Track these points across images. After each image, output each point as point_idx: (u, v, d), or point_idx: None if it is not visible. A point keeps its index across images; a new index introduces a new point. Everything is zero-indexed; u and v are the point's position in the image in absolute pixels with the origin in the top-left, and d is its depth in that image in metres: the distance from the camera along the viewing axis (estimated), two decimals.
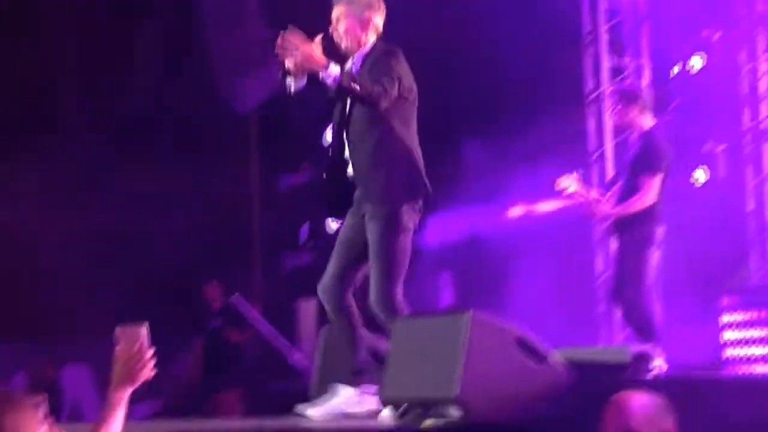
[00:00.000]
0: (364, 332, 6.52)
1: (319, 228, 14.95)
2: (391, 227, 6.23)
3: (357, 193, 6.42)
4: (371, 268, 6.34)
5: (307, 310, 15.55)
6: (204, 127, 17.29)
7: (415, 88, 6.36)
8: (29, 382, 14.33)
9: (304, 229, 16.02)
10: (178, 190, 16.42)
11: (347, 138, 6.38)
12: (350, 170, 6.40)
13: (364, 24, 6.40)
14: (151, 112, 17.16)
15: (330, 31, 6.45)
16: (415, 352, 5.73)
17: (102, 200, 17.76)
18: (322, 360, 7.18)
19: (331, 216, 7.11)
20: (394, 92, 6.11)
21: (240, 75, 15.98)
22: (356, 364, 6.46)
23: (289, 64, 6.07)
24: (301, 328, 15.76)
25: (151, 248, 17.23)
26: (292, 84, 6.21)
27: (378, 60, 6.25)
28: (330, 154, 6.50)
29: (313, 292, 6.72)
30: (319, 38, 6.12)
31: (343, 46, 6.43)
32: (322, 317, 7.91)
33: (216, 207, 17.33)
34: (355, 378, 6.49)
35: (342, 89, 6.03)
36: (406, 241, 6.29)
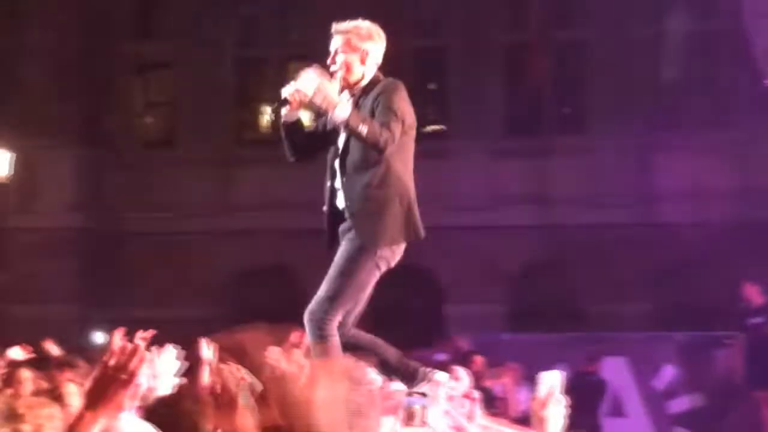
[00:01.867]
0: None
1: None
2: (364, 256, 5.97)
3: (345, 225, 6.14)
4: (324, 283, 6.05)
5: None
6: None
7: (415, 123, 6.10)
8: (573, 374, 14.62)
9: None
10: None
11: (342, 167, 6.11)
12: (340, 201, 6.15)
13: (363, 56, 6.13)
14: None
15: (328, 62, 6.21)
16: None
17: None
18: None
19: (330, 248, 6.40)
20: (398, 132, 5.87)
21: None
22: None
23: (292, 97, 5.98)
24: None
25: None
26: (283, 113, 6.12)
27: (382, 97, 5.97)
28: (328, 184, 6.25)
29: None
30: (316, 75, 5.97)
31: (340, 77, 6.15)
32: None
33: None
34: None
35: (349, 130, 5.83)
36: (370, 277, 6.03)
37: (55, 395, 6.28)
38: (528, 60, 21.71)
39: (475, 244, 20.66)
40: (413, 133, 6.13)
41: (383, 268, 6.08)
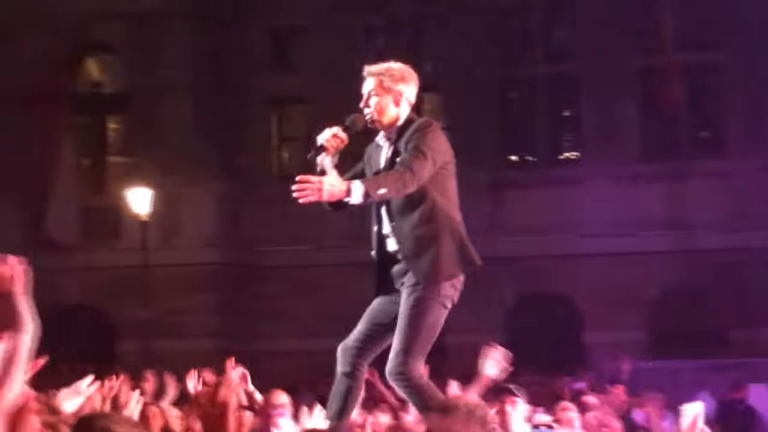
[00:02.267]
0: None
1: None
2: (429, 299, 5.87)
3: (398, 267, 6.05)
4: (396, 337, 5.91)
5: None
6: None
7: (452, 159, 6.04)
8: (717, 403, 14.34)
9: None
10: None
11: (388, 212, 6.03)
12: (392, 245, 6.05)
13: (397, 97, 6.04)
14: None
15: (361, 105, 6.11)
16: None
17: None
18: None
19: (377, 294, 6.21)
20: (425, 172, 5.80)
21: None
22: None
23: (328, 143, 5.97)
24: None
25: None
26: (319, 161, 6.04)
27: (412, 137, 5.90)
28: (375, 229, 6.16)
29: None
30: (331, 136, 5.98)
31: (374, 120, 6.07)
32: None
33: None
34: None
35: (374, 201, 5.81)
36: (439, 317, 5.91)
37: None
38: (662, 83, 21.46)
39: (612, 270, 20.44)
40: (452, 167, 6.10)
41: (449, 306, 6.01)
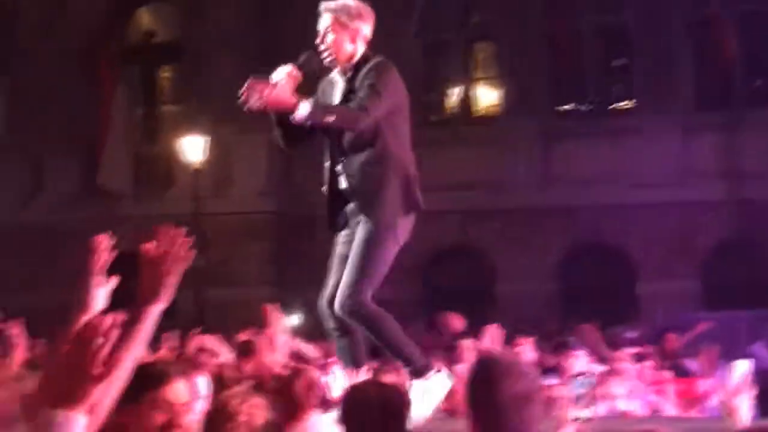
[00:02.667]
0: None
1: None
2: (381, 233, 5.95)
3: (350, 207, 6.11)
4: (346, 271, 5.95)
5: None
6: None
7: (407, 101, 6.12)
8: None
9: None
10: None
11: (340, 149, 6.05)
12: (343, 183, 6.09)
13: (353, 35, 6.07)
14: None
15: (317, 41, 6.09)
16: None
17: None
18: None
19: (332, 231, 6.18)
20: (377, 111, 5.86)
21: None
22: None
23: (255, 106, 5.81)
24: None
25: None
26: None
27: (367, 76, 5.95)
28: (327, 165, 6.18)
29: None
30: (285, 74, 5.87)
31: (330, 57, 6.07)
32: None
33: None
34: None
35: (316, 124, 5.80)
36: (392, 252, 6.01)
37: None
38: (714, 33, 21.18)
39: (665, 220, 20.32)
40: (407, 110, 6.16)
41: (401, 242, 6.07)
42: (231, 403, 4.71)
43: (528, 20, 21.52)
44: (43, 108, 22.22)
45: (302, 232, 22.12)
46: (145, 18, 23.89)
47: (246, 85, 5.76)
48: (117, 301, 3.37)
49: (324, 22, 6.14)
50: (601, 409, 7.98)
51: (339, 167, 6.08)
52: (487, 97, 22.82)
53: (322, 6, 6.20)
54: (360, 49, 6.10)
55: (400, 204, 6.03)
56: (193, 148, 20.87)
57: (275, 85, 5.82)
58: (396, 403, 4.38)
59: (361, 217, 6.03)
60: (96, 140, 22.46)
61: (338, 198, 6.15)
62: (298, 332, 11.49)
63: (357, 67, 6.06)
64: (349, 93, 6.02)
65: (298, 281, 21.07)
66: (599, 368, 9.16)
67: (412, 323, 14.12)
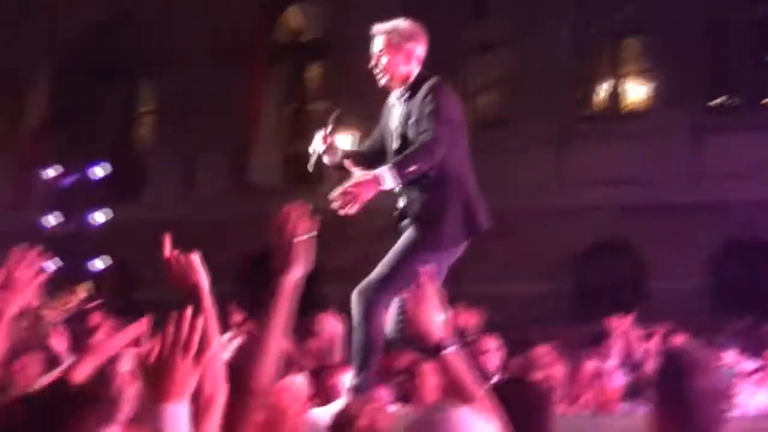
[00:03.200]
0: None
1: None
2: (424, 253, 5.86)
3: (406, 222, 6.13)
4: (379, 265, 6.00)
5: None
6: None
7: (463, 118, 6.05)
8: None
9: None
10: None
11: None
12: (400, 203, 6.12)
13: (407, 56, 6.09)
14: None
15: (371, 65, 6.14)
16: None
17: None
18: None
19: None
20: (445, 137, 5.82)
21: None
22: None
23: (354, 210, 5.86)
24: None
25: None
26: (327, 161, 6.32)
27: (425, 100, 5.91)
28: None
29: None
30: (321, 140, 6.14)
31: (385, 79, 6.12)
32: None
33: None
34: None
35: (402, 182, 5.83)
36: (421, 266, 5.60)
37: None
38: None
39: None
40: (464, 128, 6.09)
41: (441, 265, 5.98)
42: (352, 407, 4.72)
43: (679, 13, 21.14)
44: (193, 108, 22.69)
45: None
46: (292, 17, 24.20)
47: (336, 198, 5.91)
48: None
49: (377, 44, 6.20)
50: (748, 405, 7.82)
51: (397, 189, 6.08)
52: (637, 91, 22.50)
53: (375, 28, 6.28)
54: (414, 69, 6.12)
55: (459, 230, 6.02)
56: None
57: (342, 168, 6.09)
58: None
59: (414, 225, 6.05)
60: (246, 138, 22.86)
61: (400, 217, 6.20)
62: None
63: (413, 88, 6.06)
64: (407, 117, 6.01)
65: (448, 275, 21.09)
66: (750, 365, 8.97)
67: (562, 318, 14.04)
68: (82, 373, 3.81)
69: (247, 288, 19.66)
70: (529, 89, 22.04)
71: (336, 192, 5.87)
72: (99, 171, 20.11)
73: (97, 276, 19.61)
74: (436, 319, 3.69)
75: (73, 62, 23.98)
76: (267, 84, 23.31)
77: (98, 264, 19.91)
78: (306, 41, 24.04)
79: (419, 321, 3.62)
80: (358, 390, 5.87)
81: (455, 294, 17.38)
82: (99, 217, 20.16)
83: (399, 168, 5.74)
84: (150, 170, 23.44)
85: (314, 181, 22.78)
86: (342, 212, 5.87)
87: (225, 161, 23.07)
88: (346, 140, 6.06)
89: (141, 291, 20.31)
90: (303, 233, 3.46)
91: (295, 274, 3.41)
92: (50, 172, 20.24)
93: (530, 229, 21.35)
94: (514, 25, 22.16)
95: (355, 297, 6.02)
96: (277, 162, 23.16)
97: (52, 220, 19.97)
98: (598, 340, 9.65)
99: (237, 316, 10.07)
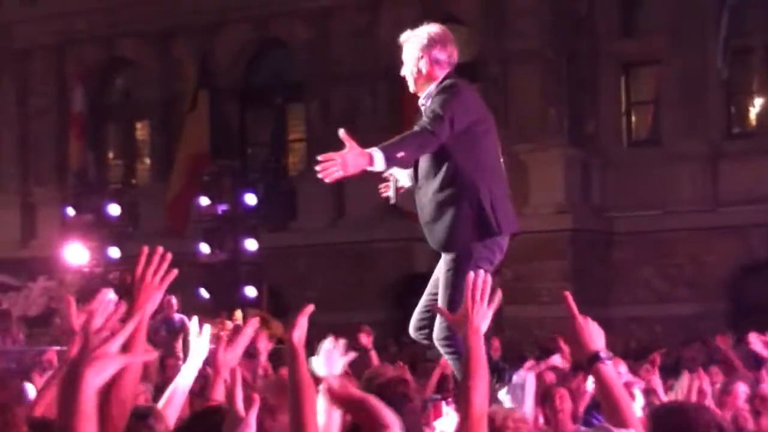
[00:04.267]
0: None
1: None
2: (461, 262, 5.79)
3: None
4: (439, 302, 5.84)
5: None
6: None
7: (484, 118, 6.02)
8: None
9: None
10: None
11: (416, 175, 6.07)
12: (417, 207, 6.10)
13: (430, 62, 6.07)
14: None
15: (401, 73, 6.22)
16: None
17: None
18: None
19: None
20: (442, 131, 5.77)
21: None
22: None
23: (335, 178, 5.71)
24: None
25: None
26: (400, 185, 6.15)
27: (433, 99, 5.94)
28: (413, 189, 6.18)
29: None
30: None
31: (411, 86, 6.17)
32: None
33: None
34: None
35: (396, 165, 5.85)
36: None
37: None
38: None
39: None
40: (483, 127, 6.03)
41: (487, 267, 5.76)
42: (496, 418, 4.68)
43: None
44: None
45: (599, 250, 21.89)
46: None
47: (320, 161, 5.78)
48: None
49: (405, 51, 6.26)
50: None
51: (418, 194, 6.12)
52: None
53: (403, 36, 6.31)
54: (438, 73, 6.11)
55: (471, 230, 5.93)
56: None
57: (347, 150, 5.78)
58: None
59: (443, 256, 6.04)
60: None
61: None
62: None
63: (435, 90, 6.11)
64: (422, 115, 6.05)
65: (596, 300, 20.85)
66: None
67: (717, 337, 13.75)
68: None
69: (398, 311, 19.73)
70: (680, 105, 21.71)
71: (325, 155, 5.79)
72: (251, 199, 20.44)
73: (250, 303, 19.91)
74: (594, 330, 3.76)
75: (226, 90, 24.52)
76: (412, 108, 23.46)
77: (250, 291, 20.20)
78: (457, 63, 24.08)
79: (580, 331, 3.69)
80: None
81: (607, 317, 17.25)
82: (251, 244, 20.47)
83: (387, 151, 5.71)
84: (301, 196, 23.75)
85: None
86: (321, 176, 5.74)
87: (374, 186, 23.24)
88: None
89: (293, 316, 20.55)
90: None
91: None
92: (204, 201, 20.64)
93: (681, 248, 21.04)
94: (664, 42, 21.85)
95: (439, 344, 5.97)
96: None
97: (205, 248, 20.36)
98: (756, 361, 9.38)
99: (365, 338, 10.06)
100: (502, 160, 6.26)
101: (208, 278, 20.29)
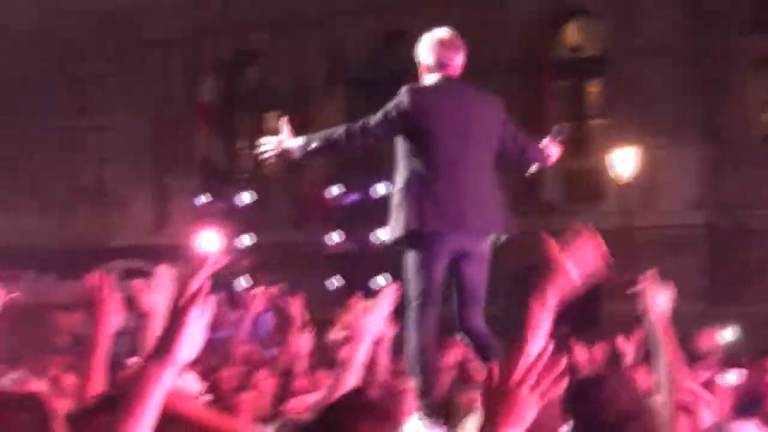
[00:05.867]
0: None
1: None
2: (407, 254, 6.17)
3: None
4: None
5: None
6: None
7: (424, 123, 6.08)
8: None
9: None
10: None
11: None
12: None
13: (420, 68, 6.46)
14: None
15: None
16: None
17: None
18: None
19: None
20: (375, 129, 6.16)
21: None
22: None
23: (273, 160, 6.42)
24: None
25: None
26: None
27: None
28: None
29: None
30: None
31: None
32: None
33: None
34: None
35: (307, 157, 6.45)
36: (415, 264, 6.16)
37: None
38: None
39: None
40: (425, 131, 6.10)
41: (427, 255, 6.04)
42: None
43: None
44: None
45: (734, 245, 21.48)
46: (572, 33, 24.10)
47: (263, 144, 6.41)
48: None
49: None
50: None
51: None
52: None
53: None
54: (429, 79, 6.40)
55: (394, 226, 6.08)
56: (622, 161, 20.86)
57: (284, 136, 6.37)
58: None
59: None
60: None
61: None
62: (733, 347, 11.11)
63: None
64: None
65: (731, 295, 20.45)
66: None
67: None
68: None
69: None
70: None
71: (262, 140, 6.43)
72: (381, 189, 20.47)
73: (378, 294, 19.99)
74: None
75: (354, 81, 24.66)
76: (550, 99, 23.37)
77: (380, 282, 20.26)
78: (585, 57, 23.95)
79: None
80: None
81: (725, 315, 16.91)
82: (380, 234, 20.56)
83: (306, 140, 6.33)
84: None
85: (592, 198, 22.62)
86: (264, 160, 6.42)
87: (512, 177, 23.16)
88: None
89: None
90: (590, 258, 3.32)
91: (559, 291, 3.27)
92: (334, 191, 20.75)
93: None
94: None
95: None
96: (559, 178, 23.09)
97: (335, 237, 20.48)
98: None
99: (581, 353, 9.02)
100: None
101: (337, 268, 20.42)
